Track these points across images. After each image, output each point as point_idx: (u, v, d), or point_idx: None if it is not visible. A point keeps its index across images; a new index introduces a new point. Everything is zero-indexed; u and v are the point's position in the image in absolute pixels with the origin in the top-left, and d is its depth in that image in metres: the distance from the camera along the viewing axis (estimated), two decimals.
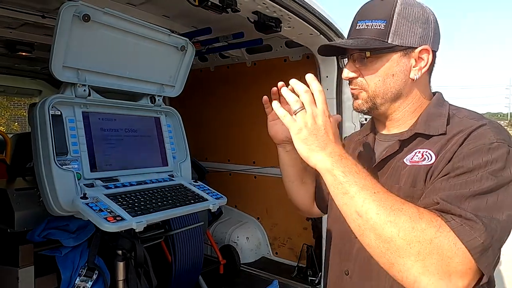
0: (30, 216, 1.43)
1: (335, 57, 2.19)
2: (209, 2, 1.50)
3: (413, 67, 0.83)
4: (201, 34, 2.28)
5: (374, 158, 0.90)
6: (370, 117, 1.02)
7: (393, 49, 0.81)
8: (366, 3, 0.86)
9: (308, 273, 2.54)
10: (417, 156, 0.79)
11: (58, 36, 1.14)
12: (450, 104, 0.87)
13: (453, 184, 0.68)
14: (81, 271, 1.34)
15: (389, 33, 0.80)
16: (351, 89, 0.89)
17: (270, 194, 2.87)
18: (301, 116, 0.74)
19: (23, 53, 2.58)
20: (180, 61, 1.56)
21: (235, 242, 2.89)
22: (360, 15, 0.85)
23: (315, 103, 0.75)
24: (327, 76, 2.29)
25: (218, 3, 1.49)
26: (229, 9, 1.53)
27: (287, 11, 1.61)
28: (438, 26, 0.85)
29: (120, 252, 1.40)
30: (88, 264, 1.36)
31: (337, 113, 2.27)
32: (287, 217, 2.80)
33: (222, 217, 3.05)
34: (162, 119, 1.57)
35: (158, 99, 1.53)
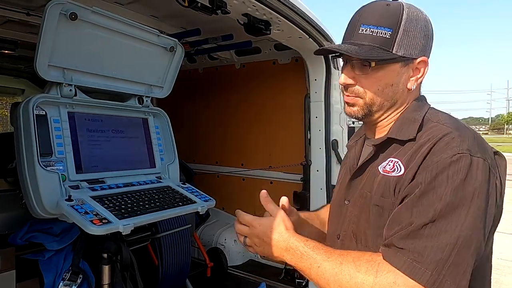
0: (12, 218, 1.39)
1: (323, 61, 2.21)
2: (199, 3, 1.49)
3: (411, 77, 0.82)
4: (190, 35, 2.26)
5: (356, 164, 0.92)
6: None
7: (396, 59, 0.79)
8: (369, 5, 0.82)
9: (296, 276, 2.54)
10: (389, 165, 0.79)
11: (43, 34, 1.12)
12: (430, 108, 0.85)
13: (409, 211, 0.70)
14: (65, 275, 1.30)
15: (394, 43, 0.78)
16: (346, 95, 0.86)
17: (258, 196, 2.83)
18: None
19: (6, 51, 2.51)
20: (169, 62, 1.55)
21: (223, 245, 2.87)
22: (364, 18, 0.80)
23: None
24: (315, 79, 2.31)
25: (208, 5, 1.48)
26: (219, 11, 1.52)
27: (276, 14, 1.62)
28: (433, 35, 0.85)
29: (105, 255, 1.38)
30: (72, 268, 1.33)
31: (325, 116, 2.29)
32: None
33: (209, 219, 3.03)
34: (150, 120, 1.55)
35: (146, 100, 1.52)
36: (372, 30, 0.79)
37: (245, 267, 2.83)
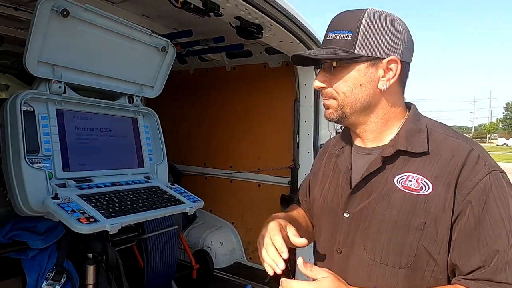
0: None
1: (313, 66, 2.24)
2: (192, 5, 1.50)
3: (382, 77, 0.83)
4: (181, 36, 2.27)
5: (350, 174, 0.90)
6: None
7: (359, 59, 0.81)
8: (337, 15, 0.87)
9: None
10: (410, 182, 0.79)
11: (34, 30, 1.10)
12: (423, 116, 0.89)
13: (475, 240, 0.73)
14: (49, 275, 1.28)
15: (355, 44, 0.80)
16: (323, 99, 0.90)
17: (246, 198, 2.87)
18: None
19: None
20: (161, 62, 1.55)
21: (209, 247, 2.86)
22: (331, 26, 0.85)
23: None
24: (305, 84, 2.34)
25: (201, 7, 1.49)
26: (212, 13, 1.54)
27: (269, 18, 1.63)
28: (411, 38, 0.86)
29: (90, 255, 1.36)
30: (56, 268, 1.30)
31: (314, 120, 2.32)
32: (262, 222, 2.80)
33: (196, 221, 3.01)
34: (140, 119, 1.55)
35: (136, 99, 1.51)
36: (336, 34, 0.83)
37: (231, 269, 2.83)
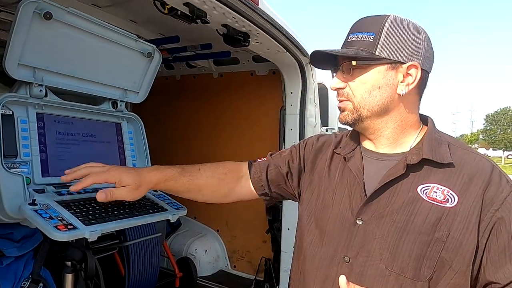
0: None
1: (299, 74, 2.26)
2: (179, 11, 1.50)
3: (401, 82, 0.82)
4: (168, 42, 2.26)
5: (362, 178, 0.87)
6: (342, 130, 1.02)
7: (379, 61, 0.81)
8: (360, 18, 0.87)
9: (266, 287, 2.54)
10: (435, 193, 0.79)
11: (15, 32, 1.08)
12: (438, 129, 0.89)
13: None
14: (24, 283, 1.24)
15: (377, 45, 0.80)
16: (339, 100, 0.88)
17: (230, 206, 2.83)
18: None
19: None
20: (146, 68, 1.53)
21: (193, 255, 2.82)
22: (353, 29, 0.86)
23: None
24: (291, 92, 2.36)
25: (188, 13, 1.49)
26: (199, 20, 1.54)
27: (255, 27, 1.65)
28: (431, 48, 0.86)
29: (69, 263, 1.32)
30: (33, 276, 1.26)
31: (299, 128, 2.34)
32: (247, 230, 2.79)
33: (180, 228, 2.97)
34: (123, 125, 1.53)
35: (120, 105, 1.49)
36: (358, 36, 0.83)
37: (215, 278, 2.80)
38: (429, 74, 0.87)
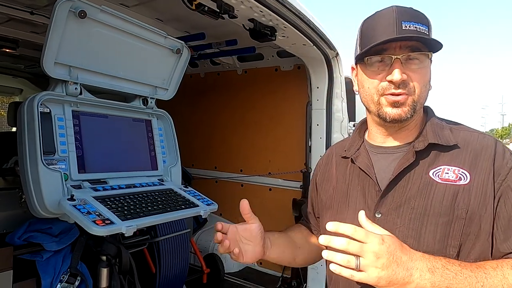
0: (11, 217, 1.36)
1: (326, 69, 2.22)
2: (206, 7, 1.50)
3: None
4: (193, 39, 2.27)
5: (375, 174, 0.87)
6: (354, 129, 1.00)
7: (432, 54, 0.82)
8: (403, 8, 0.79)
9: (293, 284, 2.51)
10: (447, 174, 0.80)
11: (52, 32, 1.11)
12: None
13: None
14: (63, 277, 1.27)
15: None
16: (397, 94, 0.80)
17: (256, 202, 2.82)
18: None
19: (7, 50, 2.50)
20: (175, 64, 1.54)
21: None
22: (403, 16, 0.78)
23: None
24: (317, 87, 2.32)
25: (216, 9, 1.49)
26: (226, 15, 1.53)
27: (283, 20, 1.62)
28: None
29: (104, 258, 1.35)
30: (71, 270, 1.30)
31: (326, 123, 2.30)
32: (273, 226, 2.77)
33: (206, 225, 3.00)
34: (154, 122, 1.54)
35: (151, 102, 1.51)
36: (416, 26, 0.78)
37: (242, 274, 2.81)
38: None
